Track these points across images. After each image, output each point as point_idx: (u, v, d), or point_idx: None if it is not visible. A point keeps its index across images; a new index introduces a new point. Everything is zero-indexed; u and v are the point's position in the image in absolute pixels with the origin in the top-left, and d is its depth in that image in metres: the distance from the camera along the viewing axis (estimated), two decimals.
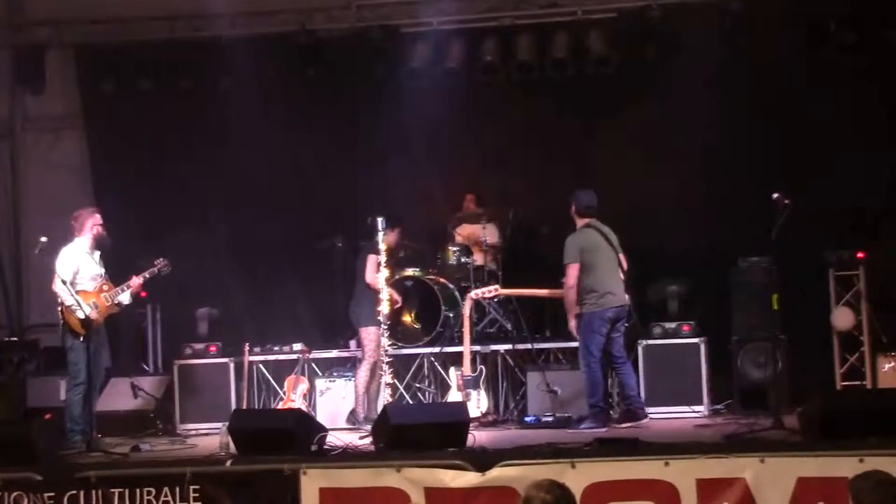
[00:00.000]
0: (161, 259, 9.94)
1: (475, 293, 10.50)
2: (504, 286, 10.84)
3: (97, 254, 9.86)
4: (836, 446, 7.24)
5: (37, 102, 12.93)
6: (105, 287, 9.73)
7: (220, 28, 12.10)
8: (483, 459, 7.61)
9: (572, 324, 9.95)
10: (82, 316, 9.43)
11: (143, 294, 11.47)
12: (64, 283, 9.45)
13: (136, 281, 9.82)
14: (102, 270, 9.81)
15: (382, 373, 9.96)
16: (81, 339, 9.51)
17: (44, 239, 9.68)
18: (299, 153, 12.38)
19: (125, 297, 9.85)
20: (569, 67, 11.73)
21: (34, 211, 12.65)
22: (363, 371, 10.24)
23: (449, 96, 11.73)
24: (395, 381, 10.39)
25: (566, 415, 10.07)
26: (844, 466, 6.79)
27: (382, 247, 9.96)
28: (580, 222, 10.00)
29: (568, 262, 9.79)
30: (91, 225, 9.78)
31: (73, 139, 12.96)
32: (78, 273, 9.61)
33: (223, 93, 12.03)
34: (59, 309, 9.64)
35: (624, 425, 9.63)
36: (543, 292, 10.55)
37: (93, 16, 12.31)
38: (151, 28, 12.25)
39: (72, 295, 9.45)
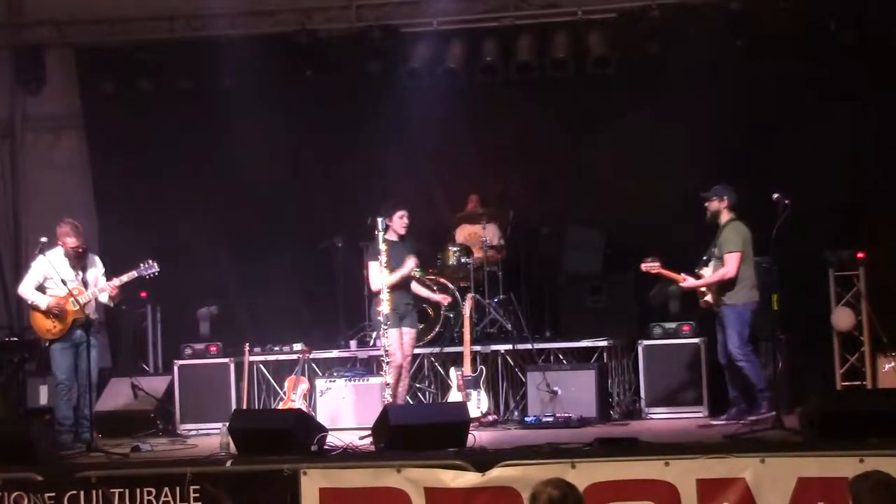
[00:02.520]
0: (147, 262, 9.73)
1: (643, 265, 10.02)
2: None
3: (78, 260, 9.69)
4: (836, 446, 7.23)
5: (37, 102, 12.92)
6: (76, 292, 9.54)
7: (220, 28, 12.11)
8: (483, 459, 7.61)
9: (689, 283, 9.84)
10: (43, 307, 9.52)
11: (143, 294, 11.51)
12: (41, 287, 9.58)
13: (113, 283, 9.64)
14: (75, 275, 9.61)
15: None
16: (48, 343, 9.63)
17: (44, 239, 9.66)
18: (299, 153, 12.40)
19: (102, 298, 9.71)
20: (569, 67, 11.73)
21: (34, 211, 12.65)
22: (388, 373, 10.02)
23: (449, 96, 11.75)
24: None
25: (566, 415, 10.07)
26: (844, 466, 6.79)
27: (383, 247, 9.93)
28: (729, 215, 9.85)
29: (735, 251, 9.62)
30: (59, 238, 9.68)
31: (73, 139, 12.96)
32: (47, 279, 9.60)
33: (223, 93, 12.03)
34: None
35: (757, 416, 9.41)
36: (700, 283, 9.93)
37: (93, 16, 12.31)
38: (151, 28, 12.26)
39: (32, 293, 9.60)
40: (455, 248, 11.47)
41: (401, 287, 10.02)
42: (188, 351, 11.34)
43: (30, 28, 12.63)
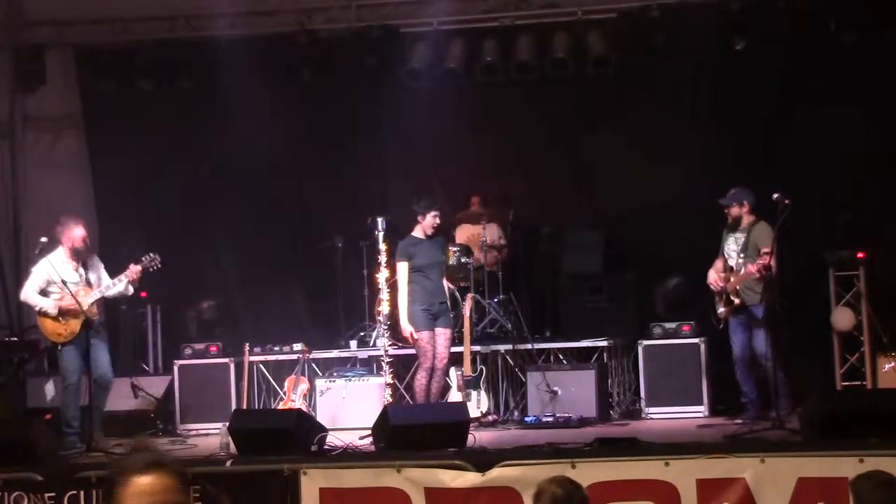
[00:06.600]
0: (149, 255, 9.66)
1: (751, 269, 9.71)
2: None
3: (80, 261, 9.62)
4: (836, 446, 7.25)
5: (37, 102, 12.91)
6: (82, 292, 9.48)
7: (220, 28, 12.08)
8: (483, 459, 7.62)
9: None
10: (53, 313, 9.40)
11: (143, 294, 11.49)
12: (44, 291, 9.47)
13: (131, 269, 9.54)
14: (78, 276, 9.56)
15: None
16: (59, 346, 9.53)
17: (44, 239, 9.64)
18: (299, 153, 12.39)
19: (118, 289, 9.64)
20: (569, 67, 11.71)
21: (34, 211, 12.63)
22: (418, 375, 9.97)
23: (449, 96, 11.74)
24: (395, 381, 10.39)
25: (566, 415, 10.08)
26: (844, 466, 6.81)
27: (383, 247, 9.96)
28: (751, 217, 9.73)
29: (770, 249, 9.26)
30: (66, 237, 9.58)
31: (73, 139, 12.95)
32: (51, 282, 9.50)
33: (223, 93, 12.01)
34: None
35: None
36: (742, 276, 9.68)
37: (93, 16, 12.30)
38: (151, 28, 12.24)
39: (37, 298, 9.48)
40: (455, 248, 11.46)
41: (435, 285, 9.93)
42: (188, 351, 11.34)
43: (30, 28, 12.61)
